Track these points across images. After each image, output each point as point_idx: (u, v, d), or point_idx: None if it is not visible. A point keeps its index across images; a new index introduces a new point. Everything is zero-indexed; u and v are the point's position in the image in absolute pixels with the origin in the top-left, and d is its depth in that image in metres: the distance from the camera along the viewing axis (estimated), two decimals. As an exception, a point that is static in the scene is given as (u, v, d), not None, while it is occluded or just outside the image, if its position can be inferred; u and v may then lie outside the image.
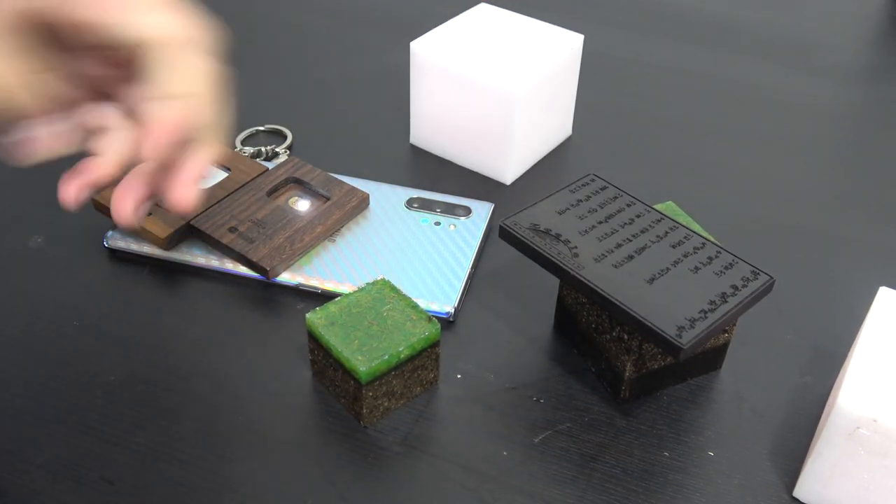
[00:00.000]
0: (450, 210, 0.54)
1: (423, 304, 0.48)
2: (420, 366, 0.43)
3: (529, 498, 0.40)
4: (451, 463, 0.41)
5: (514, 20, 0.59)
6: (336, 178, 0.54)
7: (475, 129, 0.57)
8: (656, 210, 0.46)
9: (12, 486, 0.40)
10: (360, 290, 0.44)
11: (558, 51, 0.56)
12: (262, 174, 0.55)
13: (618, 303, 0.40)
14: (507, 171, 0.58)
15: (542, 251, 0.43)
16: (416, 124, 0.60)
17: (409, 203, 0.54)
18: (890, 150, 0.63)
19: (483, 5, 0.61)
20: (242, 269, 0.50)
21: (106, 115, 0.38)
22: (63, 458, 0.41)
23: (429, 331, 0.42)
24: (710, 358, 0.45)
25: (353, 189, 0.54)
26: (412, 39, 0.57)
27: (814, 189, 0.59)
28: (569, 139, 0.63)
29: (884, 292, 0.41)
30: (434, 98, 0.58)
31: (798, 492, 0.40)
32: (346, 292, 0.45)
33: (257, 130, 0.62)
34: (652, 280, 0.41)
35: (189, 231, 0.51)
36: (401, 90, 0.66)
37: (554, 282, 0.48)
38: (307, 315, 0.43)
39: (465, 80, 0.55)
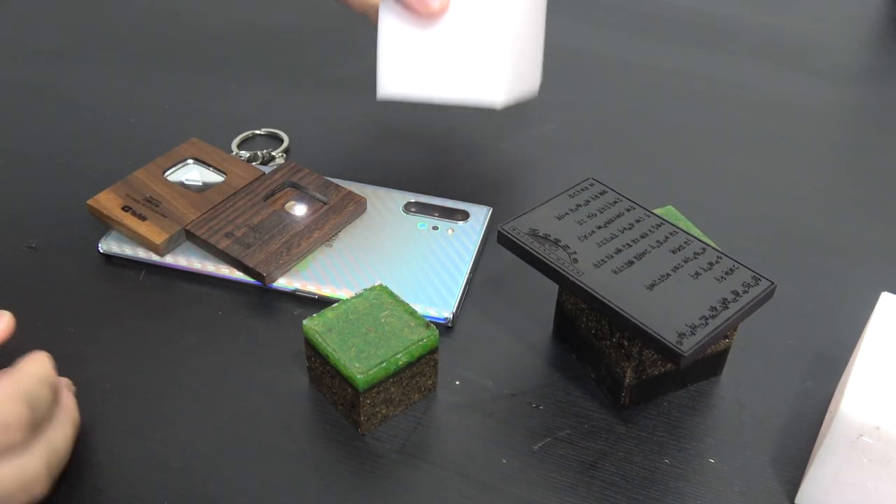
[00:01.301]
0: (447, 214, 0.54)
1: (420, 309, 0.47)
2: (418, 372, 0.43)
3: (529, 506, 0.40)
4: (450, 471, 0.41)
5: None
6: (333, 182, 0.54)
7: (458, 43, 0.52)
8: (656, 215, 0.45)
9: (6, 495, 0.39)
10: (358, 295, 0.44)
11: None
12: (258, 178, 0.54)
13: (618, 309, 0.40)
14: (499, 88, 0.52)
15: (540, 256, 0.43)
16: (387, 67, 0.53)
17: (407, 207, 0.54)
18: (890, 153, 0.63)
19: None
20: (238, 275, 0.50)
21: None
22: (57, 467, 0.41)
23: (427, 337, 0.42)
24: (710, 364, 0.45)
25: (351, 193, 0.53)
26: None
27: (814, 192, 0.59)
28: (567, 143, 0.62)
29: (886, 297, 0.41)
30: (407, 25, 0.52)
31: (800, 499, 0.40)
32: (344, 298, 0.45)
33: (254, 134, 0.62)
34: (652, 286, 0.41)
35: (185, 236, 0.51)
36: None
37: (553, 287, 0.48)
38: (304, 321, 0.43)
39: None
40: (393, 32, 0.53)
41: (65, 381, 0.42)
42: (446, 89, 0.53)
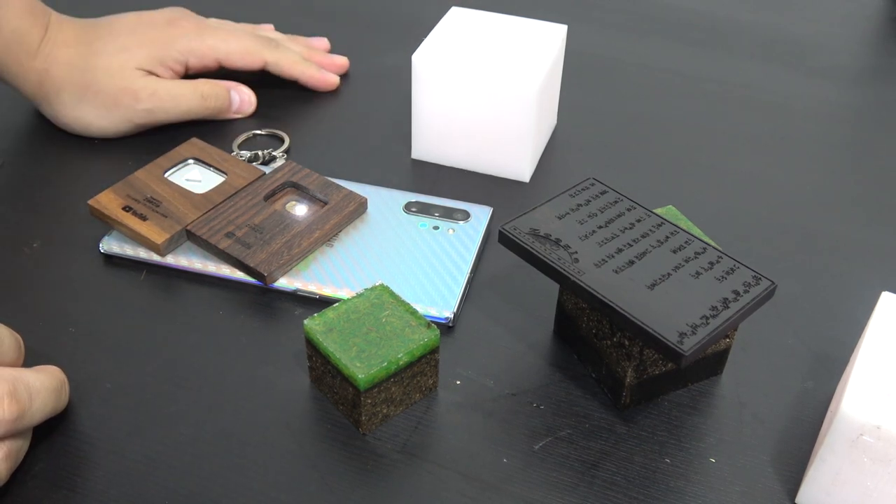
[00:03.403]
0: (448, 214, 0.54)
1: (421, 309, 0.47)
2: (419, 372, 0.43)
3: (530, 506, 0.40)
4: (451, 470, 0.41)
5: (495, 20, 0.59)
6: (334, 183, 0.54)
7: (488, 132, 0.57)
8: (656, 214, 0.45)
9: (8, 496, 0.39)
10: (359, 295, 0.44)
11: (552, 43, 0.57)
12: (259, 178, 0.54)
13: (618, 309, 0.40)
14: (526, 169, 0.58)
15: (541, 256, 0.43)
16: (420, 137, 0.59)
17: (408, 207, 0.54)
18: (890, 153, 0.63)
19: (455, 9, 0.60)
20: (239, 275, 0.50)
21: None
22: (59, 468, 0.41)
23: (428, 337, 0.42)
24: (711, 363, 0.45)
25: (351, 193, 0.53)
26: (398, 42, 0.57)
27: (815, 192, 0.59)
28: (567, 143, 0.62)
29: (886, 297, 0.41)
30: (440, 108, 0.57)
31: (800, 499, 0.40)
32: (345, 298, 0.45)
33: (254, 134, 0.62)
34: (653, 285, 0.41)
35: (185, 236, 0.51)
36: (398, 93, 0.65)
37: (554, 287, 0.48)
38: (305, 321, 0.43)
39: (476, 85, 0.55)
40: (424, 114, 0.58)
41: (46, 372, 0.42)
42: (477, 164, 0.59)
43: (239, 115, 0.63)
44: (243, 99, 0.63)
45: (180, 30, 0.62)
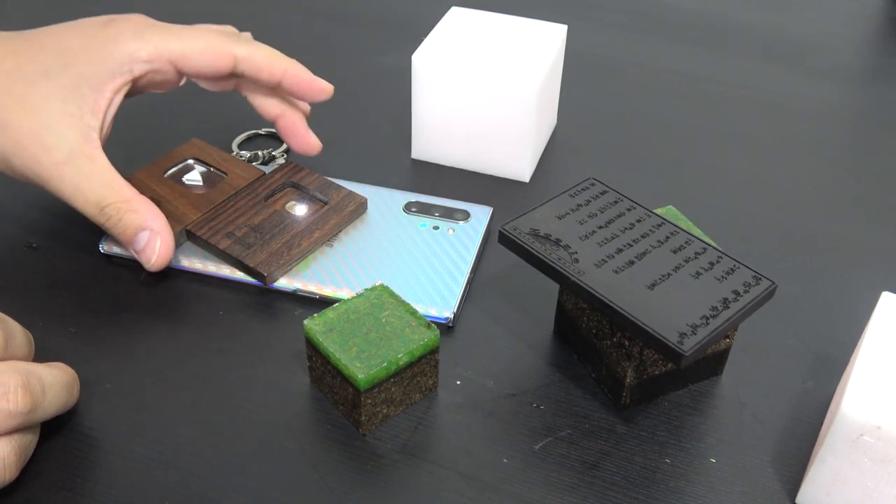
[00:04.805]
0: (448, 214, 0.54)
1: (421, 309, 0.47)
2: (419, 372, 0.43)
3: (530, 506, 0.40)
4: (451, 470, 0.41)
5: (495, 20, 0.59)
6: (334, 183, 0.54)
7: (488, 132, 0.57)
8: (657, 214, 0.45)
9: (8, 497, 0.39)
10: (359, 295, 0.44)
11: (552, 43, 0.57)
12: (258, 178, 0.54)
13: (618, 309, 0.40)
14: (526, 169, 0.58)
15: (541, 256, 0.43)
16: (419, 137, 0.59)
17: (408, 207, 0.54)
18: (890, 153, 0.63)
19: (455, 9, 0.60)
20: (239, 275, 0.50)
21: None
22: (59, 468, 0.41)
23: (428, 337, 0.42)
24: (711, 363, 0.45)
25: (351, 193, 0.53)
26: (398, 42, 0.57)
27: (815, 192, 0.59)
28: (567, 143, 0.62)
29: (886, 297, 0.41)
30: (440, 108, 0.57)
31: (800, 499, 0.40)
32: (345, 298, 0.45)
33: (255, 134, 0.62)
34: (653, 286, 0.41)
35: (185, 236, 0.51)
36: (398, 93, 0.65)
37: (554, 287, 0.48)
38: (305, 322, 0.43)
39: (476, 85, 0.55)
40: (424, 114, 0.58)
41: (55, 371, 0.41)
42: (477, 164, 0.59)
43: (142, 262, 0.48)
44: (150, 248, 0.47)
45: (114, 30, 0.48)
